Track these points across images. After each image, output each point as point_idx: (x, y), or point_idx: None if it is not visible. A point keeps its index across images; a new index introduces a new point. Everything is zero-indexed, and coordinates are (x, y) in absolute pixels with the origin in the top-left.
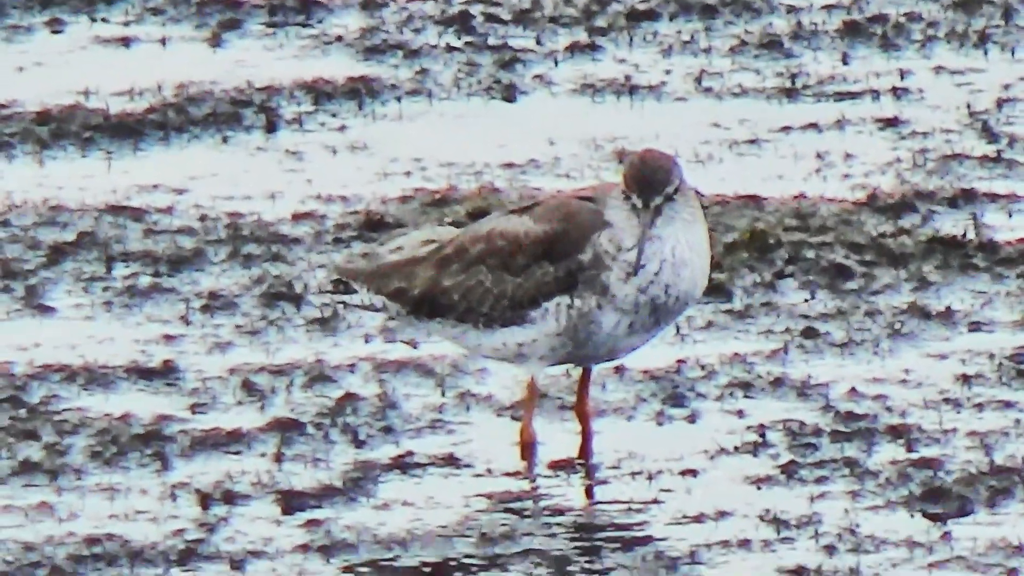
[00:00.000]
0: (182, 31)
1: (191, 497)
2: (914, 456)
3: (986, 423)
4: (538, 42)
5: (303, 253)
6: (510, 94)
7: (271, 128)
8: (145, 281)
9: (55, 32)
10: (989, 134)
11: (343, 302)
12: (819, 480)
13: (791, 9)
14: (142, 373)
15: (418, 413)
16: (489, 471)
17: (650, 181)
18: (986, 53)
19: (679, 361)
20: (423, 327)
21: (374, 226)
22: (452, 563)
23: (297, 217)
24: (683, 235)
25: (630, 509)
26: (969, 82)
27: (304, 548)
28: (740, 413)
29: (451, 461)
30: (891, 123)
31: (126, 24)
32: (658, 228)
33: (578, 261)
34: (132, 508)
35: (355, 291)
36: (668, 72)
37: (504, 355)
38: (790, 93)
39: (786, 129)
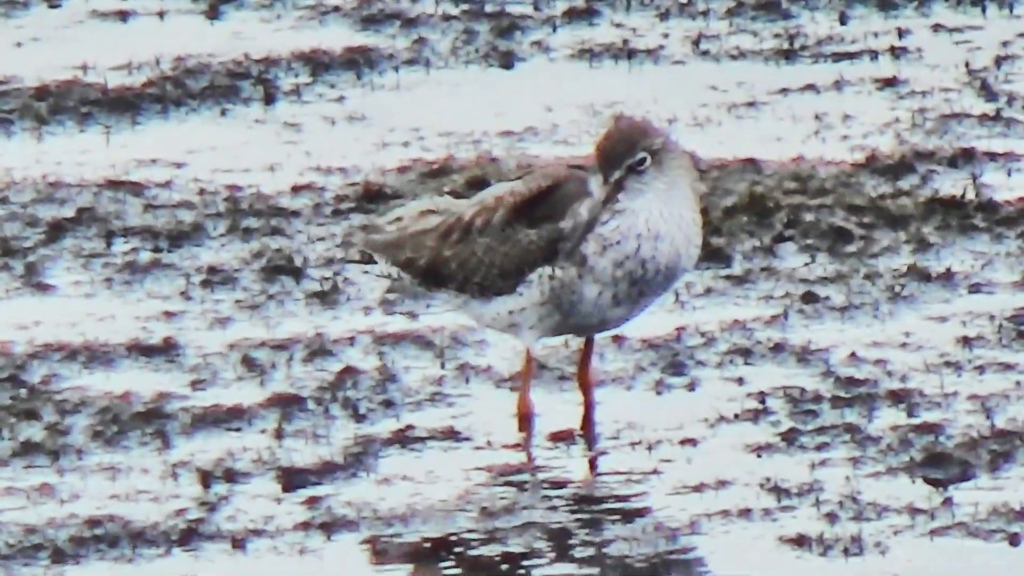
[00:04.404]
0: (179, 4)
1: (192, 476)
2: (915, 421)
3: (987, 386)
4: (536, 8)
5: (302, 226)
6: (508, 61)
7: (269, 100)
8: (145, 257)
9: (52, 7)
10: (988, 92)
11: (366, 271)
12: (820, 447)
13: None
14: (143, 350)
15: (418, 386)
16: (489, 444)
17: (607, 155)
18: (984, 10)
19: (678, 329)
20: (432, 297)
21: (373, 197)
22: (453, 537)
23: (296, 189)
24: (658, 207)
25: (630, 480)
26: (968, 40)
27: (305, 525)
28: (740, 380)
29: (451, 434)
30: (890, 83)
31: None
32: (624, 203)
33: (559, 229)
34: (133, 488)
35: (375, 262)
36: (666, 36)
37: (501, 325)
38: (788, 54)
39: (784, 91)
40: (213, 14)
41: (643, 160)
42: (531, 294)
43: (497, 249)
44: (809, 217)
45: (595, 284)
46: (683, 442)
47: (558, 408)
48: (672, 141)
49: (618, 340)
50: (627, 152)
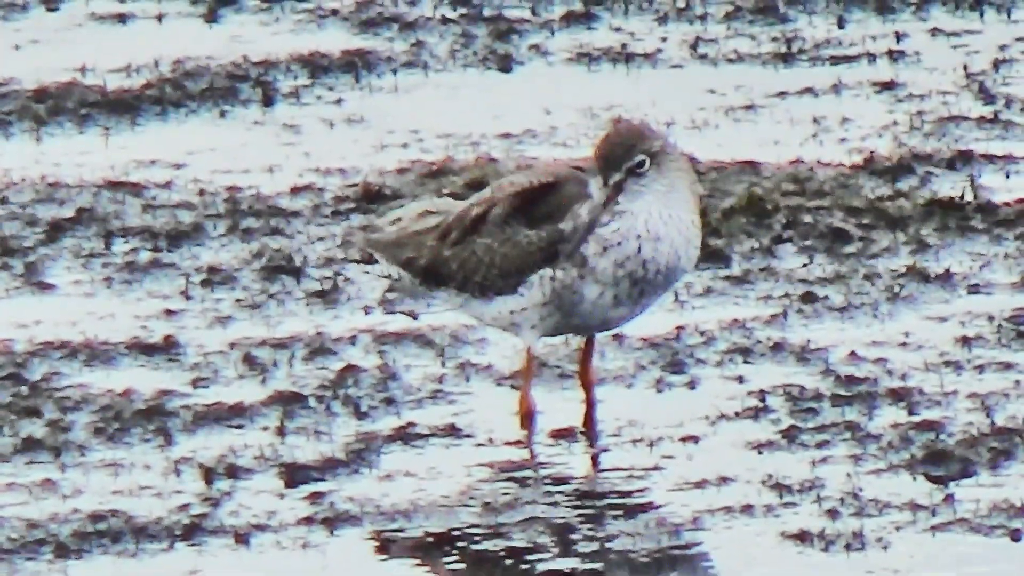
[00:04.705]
0: (178, 7)
1: (195, 472)
2: (915, 419)
3: (986, 385)
4: (534, 12)
5: (302, 226)
6: (506, 64)
7: (268, 102)
8: (145, 256)
9: (51, 9)
10: (986, 95)
11: (366, 272)
12: (820, 444)
13: None
14: (143, 349)
15: (419, 384)
16: (490, 441)
17: (607, 157)
18: (982, 14)
19: (678, 328)
20: (433, 297)
21: (372, 198)
22: (455, 533)
23: (295, 190)
24: (657, 208)
25: (632, 476)
26: (965, 43)
27: (308, 521)
28: (740, 379)
29: (452, 431)
30: (888, 86)
31: (122, 0)
32: (624, 205)
33: (559, 231)
34: (136, 484)
35: (376, 262)
36: (664, 39)
37: (502, 324)
38: (786, 58)
39: (782, 94)
40: (212, 17)
41: (642, 163)
42: (532, 294)
43: (497, 250)
44: (808, 218)
45: (596, 285)
46: (684, 439)
47: (559, 406)
48: (670, 144)
49: (619, 339)
50: (626, 155)
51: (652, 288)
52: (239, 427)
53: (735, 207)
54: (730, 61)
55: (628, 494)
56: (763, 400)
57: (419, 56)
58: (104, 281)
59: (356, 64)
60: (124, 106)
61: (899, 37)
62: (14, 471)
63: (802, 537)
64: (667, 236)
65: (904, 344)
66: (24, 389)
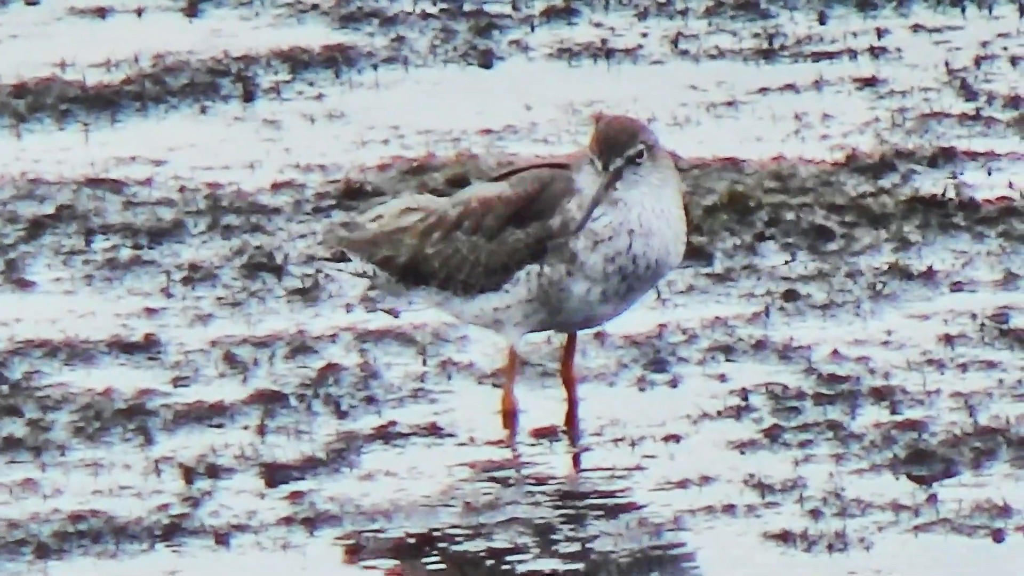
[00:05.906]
0: (158, 1)
1: (175, 471)
2: (898, 418)
3: (969, 383)
4: (514, 7)
5: (283, 223)
6: (487, 60)
7: (248, 98)
8: (125, 254)
9: (30, 4)
10: (968, 92)
11: (339, 270)
12: (803, 444)
13: None
14: (124, 347)
15: (400, 383)
16: (472, 440)
17: (609, 143)
18: (963, 10)
19: (660, 326)
20: (410, 295)
21: (353, 194)
22: (436, 533)
23: (276, 187)
24: (650, 202)
25: (613, 476)
26: (947, 40)
27: (288, 520)
28: (722, 377)
29: (434, 430)
30: (869, 83)
31: None
32: (620, 192)
33: (548, 227)
34: (116, 483)
35: (349, 260)
36: (645, 35)
37: (484, 322)
38: (767, 54)
39: (764, 90)
40: (192, 12)
41: (641, 152)
42: (517, 291)
43: (484, 247)
44: (790, 216)
45: (584, 280)
46: (666, 438)
47: (541, 404)
48: (658, 142)
49: (600, 337)
50: (629, 142)
51: (640, 284)
52: (219, 426)
53: (717, 204)
54: (711, 57)
55: (610, 494)
56: (745, 399)
57: (400, 52)
58: (84, 279)
59: (337, 59)
60: (104, 102)
61: (880, 33)
62: None
63: (784, 537)
64: (659, 230)
65: (887, 343)
66: (4, 388)
